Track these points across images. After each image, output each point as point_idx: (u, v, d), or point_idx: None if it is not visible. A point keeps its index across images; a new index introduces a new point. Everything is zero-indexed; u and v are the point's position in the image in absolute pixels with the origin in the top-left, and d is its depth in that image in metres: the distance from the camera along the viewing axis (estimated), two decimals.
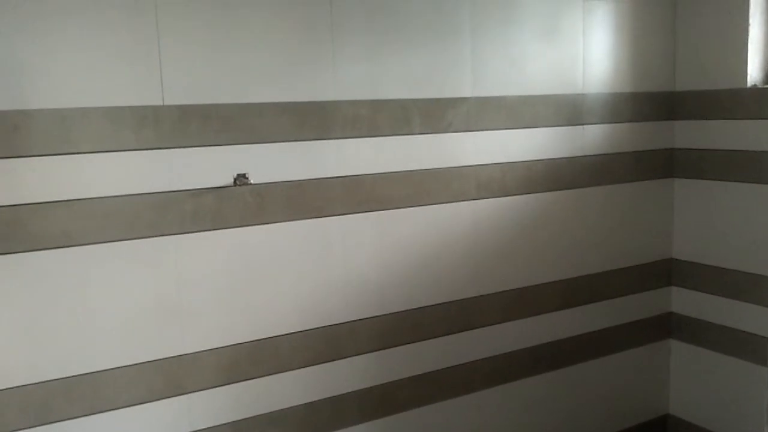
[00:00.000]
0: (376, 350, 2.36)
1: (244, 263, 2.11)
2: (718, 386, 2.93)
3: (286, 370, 2.21)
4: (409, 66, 2.30)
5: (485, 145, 2.49)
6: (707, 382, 2.96)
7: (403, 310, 2.39)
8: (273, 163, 2.11)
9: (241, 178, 2.05)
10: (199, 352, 2.07)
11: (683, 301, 3.03)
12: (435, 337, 2.47)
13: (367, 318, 2.33)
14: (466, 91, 2.42)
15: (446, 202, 2.43)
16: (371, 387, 2.36)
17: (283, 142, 2.12)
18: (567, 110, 2.66)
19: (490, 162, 2.51)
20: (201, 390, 2.08)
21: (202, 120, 1.99)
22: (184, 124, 1.97)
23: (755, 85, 2.67)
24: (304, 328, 2.22)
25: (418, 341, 2.44)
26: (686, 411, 3.06)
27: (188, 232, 2.01)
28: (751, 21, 2.64)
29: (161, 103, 1.93)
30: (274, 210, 2.13)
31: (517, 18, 2.50)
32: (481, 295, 2.55)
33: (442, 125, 2.39)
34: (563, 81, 2.65)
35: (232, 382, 2.13)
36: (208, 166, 2.02)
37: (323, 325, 2.25)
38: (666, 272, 3.05)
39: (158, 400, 2.02)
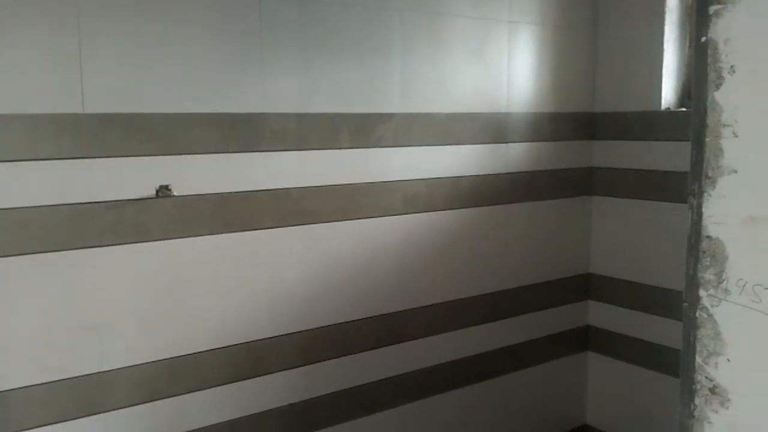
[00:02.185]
0: (300, 365, 2.33)
1: (166, 277, 2.05)
2: (631, 396, 3.04)
3: (208, 387, 2.16)
4: (338, 81, 2.31)
5: (413, 161, 2.51)
6: (622, 392, 3.08)
7: (329, 324, 2.38)
8: (198, 174, 2.07)
9: (163, 190, 2.00)
10: (116, 369, 2.00)
11: (599, 314, 3.14)
12: (361, 352, 2.47)
13: (292, 333, 2.31)
14: (395, 106, 2.44)
15: (374, 217, 2.44)
16: (294, 403, 2.34)
17: (209, 153, 2.08)
18: (492, 128, 2.72)
19: (417, 177, 2.53)
20: (118, 409, 2.01)
21: (124, 129, 1.94)
22: (105, 133, 1.91)
23: (668, 108, 2.80)
24: (227, 344, 2.18)
25: (344, 356, 2.43)
26: (602, 421, 3.17)
27: (107, 245, 1.95)
28: (665, 47, 2.77)
29: (81, 111, 1.87)
30: (199, 223, 2.09)
31: (446, 38, 2.55)
32: (407, 309, 2.57)
33: (371, 140, 2.40)
34: (489, 100, 2.71)
35: (151, 400, 2.06)
36: (129, 177, 1.96)
37: (247, 340, 2.22)
38: (584, 286, 3.15)
39: (73, 419, 1.94)
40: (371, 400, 2.51)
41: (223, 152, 2.10)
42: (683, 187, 2.72)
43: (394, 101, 2.45)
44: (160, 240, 2.03)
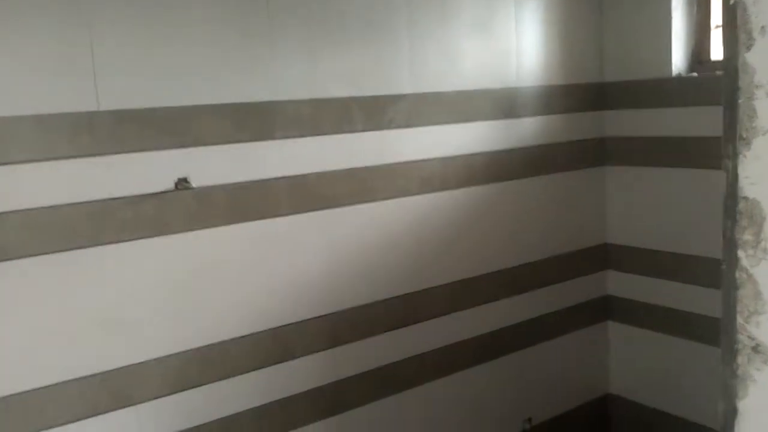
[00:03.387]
0: (324, 349, 2.35)
1: (189, 269, 2.07)
2: (653, 363, 3.05)
3: (236, 375, 2.18)
4: (348, 64, 2.30)
5: (426, 141, 2.51)
6: (644, 360, 3.09)
7: (350, 307, 2.40)
8: (214, 165, 2.08)
9: (182, 183, 2.01)
10: (144, 362, 2.02)
11: (618, 283, 3.14)
12: (382, 333, 2.48)
13: (315, 317, 2.32)
14: (406, 87, 2.44)
15: (390, 198, 2.44)
16: (322, 386, 2.36)
17: (223, 144, 2.09)
18: (503, 104, 2.71)
19: (431, 157, 2.53)
20: (149, 400, 2.03)
21: (139, 124, 1.94)
22: (120, 130, 1.91)
23: (680, 74, 2.79)
24: (252, 331, 2.20)
25: (366, 337, 2.45)
26: (625, 389, 3.19)
27: (129, 240, 1.96)
28: (674, 12, 2.75)
29: (96, 109, 1.87)
30: (218, 213, 2.10)
31: (452, 14, 2.53)
32: (426, 289, 2.58)
33: (384, 122, 2.40)
34: (498, 75, 2.69)
35: (181, 390, 2.09)
36: (147, 172, 1.97)
37: (271, 326, 2.23)
38: (601, 257, 3.15)
39: (104, 413, 1.96)
40: (396, 380, 2.53)
41: (237, 142, 2.11)
42: (696, 153, 2.73)
43: (404, 82, 2.44)
44: (181, 232, 2.04)
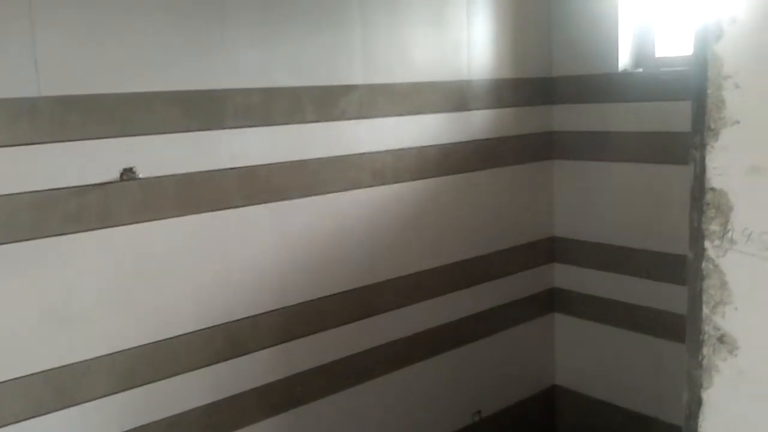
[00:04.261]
0: (277, 344, 2.31)
1: (136, 262, 2.00)
2: (599, 355, 3.12)
3: (185, 372, 2.12)
4: (300, 53, 2.26)
5: (378, 132, 2.49)
6: (589, 351, 3.15)
7: (303, 301, 2.36)
8: (162, 155, 2.01)
9: (128, 173, 1.94)
10: (90, 359, 1.94)
11: (565, 276, 3.19)
12: (336, 327, 2.46)
13: (267, 312, 2.28)
14: (358, 78, 2.41)
15: (342, 191, 2.42)
16: (273, 382, 2.32)
17: (172, 133, 2.02)
18: (454, 96, 2.72)
19: (383, 149, 2.52)
20: (94, 399, 1.96)
21: (83, 112, 1.86)
22: (63, 117, 1.83)
23: (626, 69, 2.84)
24: (201, 327, 2.14)
25: (319, 332, 2.42)
26: (571, 381, 3.24)
27: (72, 233, 1.88)
28: (620, 8, 2.80)
29: (37, 95, 1.78)
30: (166, 205, 2.03)
31: (405, 5, 2.52)
32: (378, 282, 2.57)
33: (335, 113, 2.37)
34: (450, 68, 2.70)
35: (128, 389, 2.02)
36: (91, 161, 1.89)
37: (223, 322, 2.18)
38: (548, 250, 3.20)
39: (48, 413, 1.88)
40: (349, 374, 2.51)
41: (186, 131, 2.05)
42: (641, 148, 2.79)
43: (356, 73, 2.42)
44: (127, 224, 1.97)
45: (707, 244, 0.82)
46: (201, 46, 2.05)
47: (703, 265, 0.83)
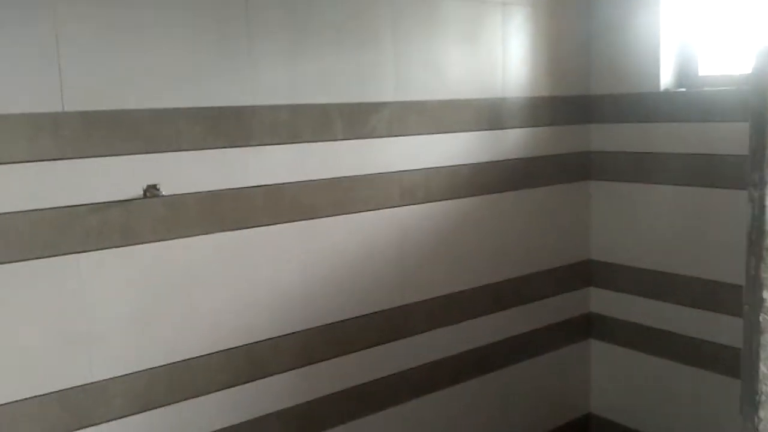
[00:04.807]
0: (299, 366, 2.25)
1: (157, 281, 1.95)
2: (636, 384, 2.99)
3: (205, 394, 2.06)
4: (329, 69, 2.21)
5: (409, 151, 2.43)
6: (626, 380, 3.02)
7: (328, 323, 2.30)
8: (187, 172, 1.97)
9: (151, 190, 1.89)
10: (108, 379, 1.90)
11: (601, 301, 3.08)
12: (361, 350, 2.38)
13: (290, 333, 2.22)
14: (389, 95, 2.35)
15: (371, 210, 2.35)
16: (294, 405, 2.25)
17: (197, 150, 1.98)
18: (488, 114, 2.64)
19: (413, 168, 2.45)
20: (111, 420, 1.91)
21: (107, 127, 1.83)
22: (87, 133, 1.80)
23: (667, 89, 2.73)
24: (223, 348, 2.09)
25: (344, 354, 2.35)
26: (607, 409, 3.12)
27: (93, 250, 1.84)
28: (662, 26, 2.69)
29: (61, 110, 1.75)
30: (190, 223, 1.99)
31: (438, 22, 2.45)
32: (407, 304, 2.49)
33: (366, 130, 2.30)
34: (484, 85, 2.62)
35: (146, 410, 1.97)
36: (114, 178, 1.85)
37: (244, 343, 2.12)
38: (584, 273, 3.09)
39: None
40: (374, 399, 2.43)
41: (212, 148, 2.00)
42: (683, 169, 2.66)
43: (387, 89, 2.35)
44: (150, 242, 1.93)
45: (766, 294, 0.73)
46: (227, 61, 2.01)
47: (761, 317, 0.74)
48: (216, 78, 1.99)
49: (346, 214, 2.28)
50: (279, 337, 2.19)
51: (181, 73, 1.94)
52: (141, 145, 1.89)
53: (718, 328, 2.64)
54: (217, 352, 2.07)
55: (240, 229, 2.07)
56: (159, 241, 1.94)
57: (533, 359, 2.94)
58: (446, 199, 2.54)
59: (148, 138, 1.90)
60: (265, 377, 2.18)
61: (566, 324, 3.04)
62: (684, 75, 2.75)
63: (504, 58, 2.66)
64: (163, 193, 1.91)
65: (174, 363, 2.00)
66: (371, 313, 2.39)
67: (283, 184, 2.14)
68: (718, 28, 2.65)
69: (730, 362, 2.62)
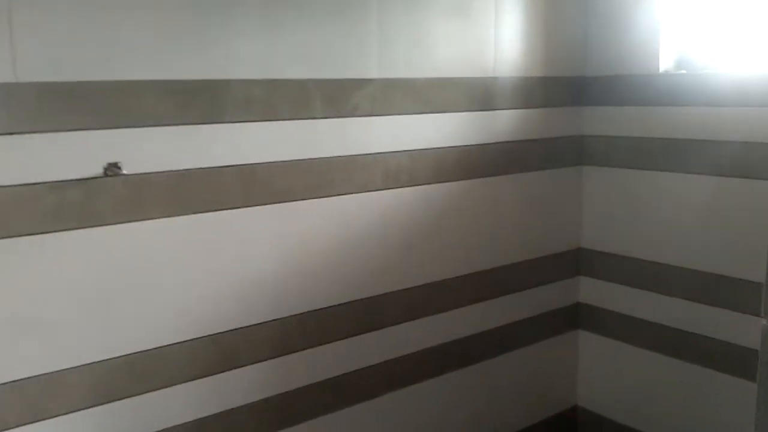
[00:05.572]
0: (273, 357, 2.13)
1: (119, 266, 1.83)
2: (625, 377, 2.89)
3: (170, 385, 1.95)
4: (310, 43, 2.07)
5: (393, 131, 2.30)
6: (614, 372, 2.93)
7: (303, 311, 2.18)
8: (152, 150, 1.84)
9: (112, 168, 1.76)
10: (65, 369, 1.78)
11: (591, 291, 2.97)
12: (338, 340, 2.27)
13: (264, 322, 2.10)
14: (373, 72, 2.22)
15: (351, 193, 2.23)
16: (268, 398, 2.14)
17: (164, 126, 1.85)
18: (478, 94, 2.51)
19: (397, 149, 2.32)
20: (69, 413, 1.80)
21: (65, 100, 1.69)
22: (42, 105, 1.66)
23: (667, 70, 2.60)
24: (190, 337, 1.97)
25: (320, 345, 2.23)
26: (594, 402, 3.02)
27: (49, 232, 1.71)
28: (663, 5, 2.56)
29: (14, 80, 1.61)
30: (155, 204, 1.86)
31: None
32: (387, 293, 2.38)
33: (347, 109, 2.17)
34: (474, 63, 2.49)
35: (107, 402, 1.85)
36: (73, 154, 1.72)
37: (213, 332, 2.01)
38: (574, 262, 2.98)
39: (16, 427, 1.72)
40: (351, 391, 2.33)
41: (180, 124, 1.87)
42: (682, 156, 2.54)
43: (370, 65, 2.22)
44: (111, 224, 1.80)
45: None
46: (198, 31, 1.87)
47: None
48: (185, 48, 1.85)
49: (324, 197, 2.16)
50: (251, 326, 2.08)
51: (147, 42, 1.79)
52: (102, 120, 1.75)
53: (712, 322, 2.54)
54: (184, 341, 1.95)
55: (209, 211, 1.95)
56: (120, 223, 1.81)
57: (519, 350, 2.83)
58: (431, 183, 2.42)
59: (110, 112, 1.76)
60: (235, 368, 2.06)
61: (554, 314, 2.94)
62: (685, 56, 2.62)
63: (496, 34, 2.53)
64: (125, 171, 1.78)
65: (137, 353, 1.88)
66: (349, 302, 2.28)
67: (257, 164, 2.01)
68: (723, 8, 2.51)
69: (723, 358, 2.53)
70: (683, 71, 2.58)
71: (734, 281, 2.46)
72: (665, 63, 2.60)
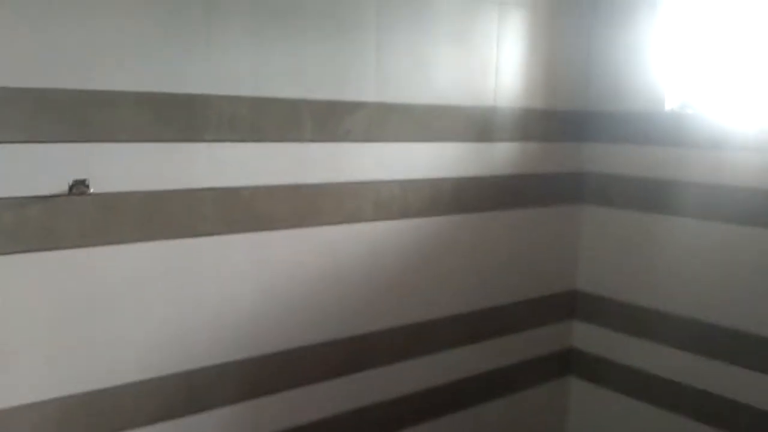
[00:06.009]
0: (245, 399, 1.96)
1: (81, 294, 1.65)
2: (617, 429, 2.73)
3: (133, 427, 1.76)
4: (303, 60, 1.93)
5: (386, 159, 2.16)
6: (607, 424, 2.77)
7: (281, 350, 2.01)
8: (125, 167, 1.68)
9: (79, 186, 1.60)
10: (16, 407, 1.59)
11: (586, 336, 2.83)
12: (318, 382, 2.10)
13: (236, 360, 1.92)
14: (368, 95, 2.08)
15: (339, 224, 2.07)
16: None
17: (138, 141, 1.69)
18: (477, 124, 2.38)
19: (390, 178, 2.17)
20: None
21: (29, 109, 1.53)
22: (3, 114, 1.50)
23: (673, 109, 2.49)
24: (156, 375, 1.79)
25: (298, 387, 2.06)
26: None
27: (6, 254, 1.54)
28: (671, 41, 2.46)
29: None
30: (125, 227, 1.69)
31: (429, 17, 2.19)
32: (372, 332, 2.21)
33: (339, 132, 2.03)
34: (474, 92, 2.36)
35: None
36: (35, 168, 1.56)
37: (182, 370, 1.83)
38: (569, 305, 2.83)
39: None
40: None
41: (156, 141, 1.71)
42: (685, 199, 2.41)
43: (366, 88, 2.08)
44: (75, 248, 1.63)
45: None
46: (181, 40, 1.72)
47: None
48: (166, 59, 1.70)
49: (309, 226, 2.00)
50: (224, 363, 1.90)
51: (123, 50, 1.64)
52: (70, 132, 1.59)
53: (714, 376, 2.40)
54: (148, 379, 1.77)
55: (184, 237, 1.78)
56: (85, 246, 1.64)
57: (509, 396, 2.67)
58: (424, 216, 2.27)
59: (80, 124, 1.60)
60: (204, 410, 1.88)
61: (546, 359, 2.79)
62: (692, 95, 2.51)
63: (498, 63, 2.41)
64: (93, 190, 1.61)
65: (95, 390, 1.70)
66: (331, 341, 2.11)
67: (239, 188, 1.86)
68: (732, 48, 2.41)
69: (723, 414, 2.38)
70: (690, 110, 2.47)
71: (738, 334, 2.33)
72: (672, 101, 2.50)
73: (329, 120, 2.00)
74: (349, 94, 2.04)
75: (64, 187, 1.58)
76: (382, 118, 2.12)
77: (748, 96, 2.35)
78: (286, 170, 1.94)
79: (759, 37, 2.32)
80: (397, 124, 2.16)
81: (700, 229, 2.42)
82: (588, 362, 2.82)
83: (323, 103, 1.99)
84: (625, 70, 2.61)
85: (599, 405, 2.79)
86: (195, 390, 1.85)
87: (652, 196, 2.54)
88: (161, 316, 1.78)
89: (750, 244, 2.29)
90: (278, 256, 1.96)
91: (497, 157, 2.46)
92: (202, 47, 1.75)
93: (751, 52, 2.35)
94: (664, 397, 2.57)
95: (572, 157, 2.72)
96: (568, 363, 2.87)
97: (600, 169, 2.71)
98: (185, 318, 1.82)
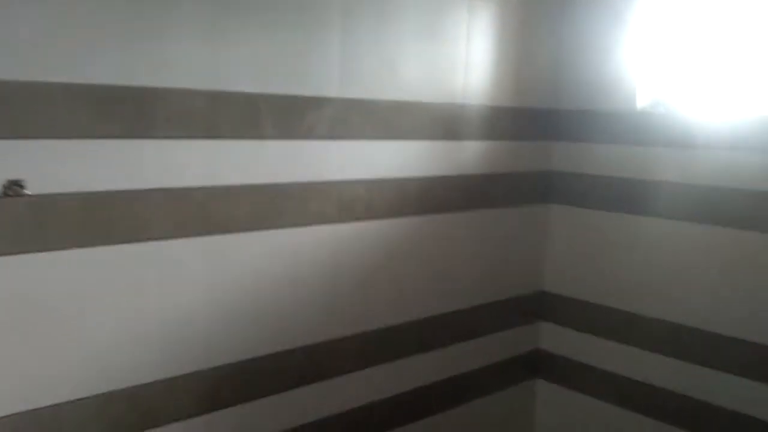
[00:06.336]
0: (200, 414, 1.83)
1: (14, 304, 1.51)
2: (584, 431, 2.68)
3: None
4: (262, 54, 1.81)
5: (350, 157, 2.05)
6: (575, 426, 2.72)
7: (238, 360, 1.89)
8: (64, 166, 1.53)
9: (13, 186, 1.45)
10: None
11: (553, 338, 2.77)
12: (277, 393, 1.99)
13: (189, 373, 1.80)
14: (332, 90, 1.96)
15: (299, 226, 1.96)
16: None
17: (79, 138, 1.54)
18: (445, 122, 2.28)
19: (354, 178, 2.07)
20: None
21: None
22: None
23: (645, 108, 2.43)
24: (99, 391, 1.65)
25: (256, 399, 1.94)
26: None
27: None
28: (643, 39, 2.40)
29: None
30: (64, 232, 1.55)
31: (396, 11, 2.08)
32: (334, 339, 2.11)
33: (301, 130, 1.91)
34: (442, 88, 2.26)
35: None
36: None
37: (128, 385, 1.69)
38: (536, 306, 2.77)
39: None
40: None
41: (99, 137, 1.57)
42: (656, 199, 2.35)
43: (330, 83, 1.97)
44: (8, 254, 1.48)
45: None
46: (129, 28, 1.58)
47: None
48: (112, 48, 1.56)
49: (268, 229, 1.88)
50: (175, 377, 1.77)
51: (64, 38, 1.49)
52: (2, 128, 1.44)
53: (683, 378, 2.37)
54: (90, 396, 1.63)
55: (131, 242, 1.64)
56: (20, 253, 1.49)
57: (475, 401, 2.59)
58: (389, 217, 2.17)
59: (13, 120, 1.45)
60: (154, 427, 1.75)
61: (512, 361, 2.72)
62: (664, 95, 2.45)
63: (467, 59, 2.31)
64: (29, 191, 1.47)
65: (30, 410, 1.55)
66: (291, 350, 2.00)
67: (191, 188, 1.72)
68: (707, 46, 2.36)
69: (693, 416, 2.35)
70: (662, 110, 2.41)
71: (708, 335, 2.30)
72: (643, 100, 2.43)
73: (290, 116, 1.88)
74: (312, 89, 1.92)
75: None
76: (347, 115, 2.01)
77: (719, 94, 2.31)
78: (243, 169, 1.82)
79: (730, 35, 2.28)
80: (361, 121, 2.05)
81: (668, 228, 2.38)
82: (555, 364, 2.76)
83: (284, 98, 1.86)
84: (596, 69, 2.54)
85: (567, 407, 2.74)
86: (143, 407, 1.72)
87: (622, 195, 2.48)
88: (104, 327, 1.64)
89: (720, 244, 2.26)
90: (234, 261, 1.83)
91: (465, 156, 2.38)
92: (152, 36, 1.61)
93: (723, 50, 2.30)
94: (632, 399, 2.53)
95: (541, 156, 2.65)
96: (536, 365, 2.81)
97: (569, 169, 2.64)
98: (131, 329, 1.68)
